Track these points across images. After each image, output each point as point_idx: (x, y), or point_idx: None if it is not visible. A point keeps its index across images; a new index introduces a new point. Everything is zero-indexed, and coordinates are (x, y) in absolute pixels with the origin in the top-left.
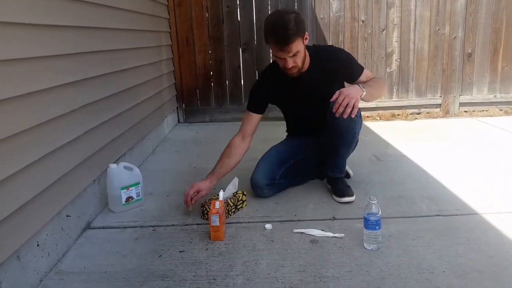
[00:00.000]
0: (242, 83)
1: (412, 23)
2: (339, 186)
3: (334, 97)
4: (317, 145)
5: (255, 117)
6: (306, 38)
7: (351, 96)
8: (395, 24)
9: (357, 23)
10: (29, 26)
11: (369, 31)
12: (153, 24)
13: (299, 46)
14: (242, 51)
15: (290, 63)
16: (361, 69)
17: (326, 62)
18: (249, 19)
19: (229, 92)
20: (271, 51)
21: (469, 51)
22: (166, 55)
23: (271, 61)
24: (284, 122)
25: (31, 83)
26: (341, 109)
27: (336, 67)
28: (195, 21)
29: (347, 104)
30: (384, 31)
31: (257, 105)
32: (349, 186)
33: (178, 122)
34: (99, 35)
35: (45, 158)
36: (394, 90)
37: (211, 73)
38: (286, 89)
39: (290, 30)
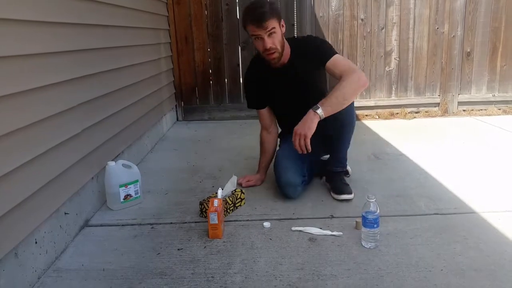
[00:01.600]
0: (241, 81)
1: (411, 22)
2: (337, 184)
3: (294, 141)
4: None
5: (263, 111)
6: (283, 25)
7: (302, 134)
8: (394, 23)
9: (356, 22)
10: (26, 23)
11: (368, 30)
12: (152, 22)
13: (275, 25)
14: (241, 49)
15: (269, 43)
16: (330, 54)
17: (303, 51)
18: None
19: (228, 90)
20: (250, 34)
21: (468, 50)
22: (165, 53)
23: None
24: None
25: (29, 80)
26: (299, 148)
27: (310, 55)
28: (194, 19)
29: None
30: (383, 30)
31: (257, 103)
32: (347, 184)
33: (177, 120)
34: (98, 32)
35: (43, 156)
36: (393, 88)
37: (210, 71)
38: (271, 83)
39: (265, 8)
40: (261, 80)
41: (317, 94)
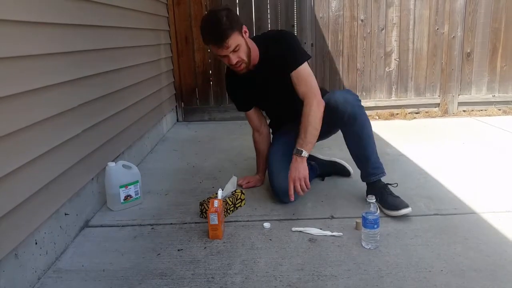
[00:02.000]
0: None
1: (411, 23)
2: (386, 197)
3: (290, 190)
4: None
5: (250, 113)
6: (246, 32)
7: (300, 178)
8: (394, 24)
9: (356, 22)
10: (27, 24)
11: (368, 30)
12: (152, 23)
13: (238, 40)
14: None
15: (234, 59)
16: (296, 63)
17: (272, 51)
18: (248, 18)
19: None
20: (213, 52)
21: (468, 50)
22: (165, 54)
23: None
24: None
25: (29, 81)
26: (301, 192)
27: (279, 59)
28: (194, 20)
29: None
30: (383, 30)
31: (242, 105)
32: (397, 196)
33: (177, 121)
34: (98, 33)
35: (44, 156)
36: (393, 89)
37: (210, 71)
38: (246, 87)
39: (223, 25)
40: (239, 84)
41: (289, 93)
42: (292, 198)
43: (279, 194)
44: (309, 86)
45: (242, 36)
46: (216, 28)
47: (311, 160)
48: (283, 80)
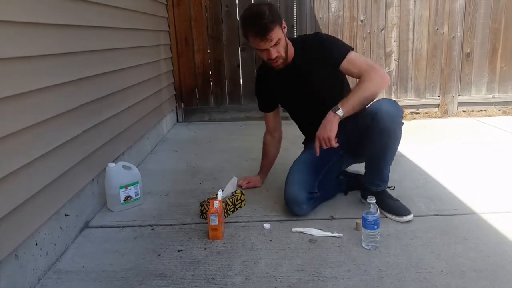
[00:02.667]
0: (241, 82)
1: (411, 23)
2: (390, 203)
3: (316, 148)
4: (341, 143)
5: (270, 115)
6: (285, 27)
7: (324, 138)
8: (394, 24)
9: (356, 23)
10: (27, 25)
11: (368, 31)
12: (152, 23)
13: (279, 34)
14: (241, 50)
15: (274, 53)
16: (343, 54)
17: (311, 50)
18: None
19: (228, 92)
20: (252, 45)
21: (468, 51)
22: (165, 55)
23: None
24: (282, 122)
25: (29, 82)
26: (325, 146)
27: (319, 53)
28: (194, 21)
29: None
30: (383, 31)
31: (265, 106)
32: (397, 200)
33: (177, 121)
34: (98, 34)
35: (44, 157)
36: (393, 89)
37: (210, 72)
38: (277, 85)
39: (266, 18)
40: (268, 83)
41: (327, 94)
42: (318, 154)
43: (288, 204)
44: (366, 64)
45: (282, 32)
46: (260, 21)
47: (341, 173)
48: (317, 78)
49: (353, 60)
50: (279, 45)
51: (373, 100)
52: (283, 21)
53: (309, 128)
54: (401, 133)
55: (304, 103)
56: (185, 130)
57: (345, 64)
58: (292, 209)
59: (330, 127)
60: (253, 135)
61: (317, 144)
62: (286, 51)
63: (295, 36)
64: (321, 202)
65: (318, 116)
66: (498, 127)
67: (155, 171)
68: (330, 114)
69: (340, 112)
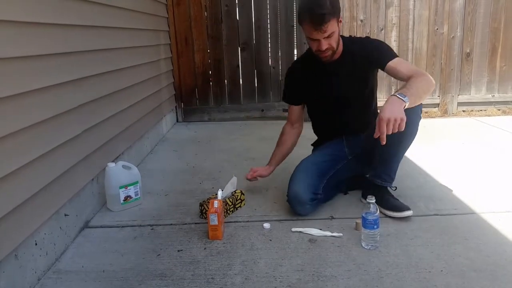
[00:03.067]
0: (241, 82)
1: (411, 23)
2: (389, 199)
3: (377, 130)
4: (352, 149)
5: (295, 108)
6: (340, 21)
7: (396, 119)
8: (394, 24)
9: (355, 23)
10: (27, 25)
11: (368, 31)
12: (151, 23)
13: (334, 27)
14: (240, 50)
15: (325, 45)
16: (392, 55)
17: (359, 52)
18: (248, 18)
19: (228, 92)
20: (304, 32)
21: (468, 50)
22: (165, 54)
23: (269, 59)
24: (281, 122)
25: (29, 82)
26: (392, 130)
27: (366, 53)
28: (194, 20)
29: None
30: (383, 31)
31: (291, 98)
32: (397, 199)
33: (177, 121)
34: (98, 34)
35: (44, 157)
36: (393, 90)
37: (210, 72)
38: (315, 80)
39: (325, 9)
40: (304, 76)
41: (357, 101)
42: (383, 142)
43: (291, 202)
44: (416, 68)
45: (338, 24)
46: (318, 10)
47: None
48: (356, 80)
49: (402, 61)
50: (331, 38)
51: (424, 100)
52: (341, 16)
53: (325, 129)
54: (417, 128)
55: (335, 101)
56: (185, 130)
57: (392, 64)
58: (295, 208)
59: (398, 109)
60: (253, 134)
61: (382, 129)
62: (338, 46)
63: (346, 36)
64: (323, 203)
65: (339, 119)
66: (497, 127)
67: (155, 171)
68: (395, 98)
69: (406, 99)
